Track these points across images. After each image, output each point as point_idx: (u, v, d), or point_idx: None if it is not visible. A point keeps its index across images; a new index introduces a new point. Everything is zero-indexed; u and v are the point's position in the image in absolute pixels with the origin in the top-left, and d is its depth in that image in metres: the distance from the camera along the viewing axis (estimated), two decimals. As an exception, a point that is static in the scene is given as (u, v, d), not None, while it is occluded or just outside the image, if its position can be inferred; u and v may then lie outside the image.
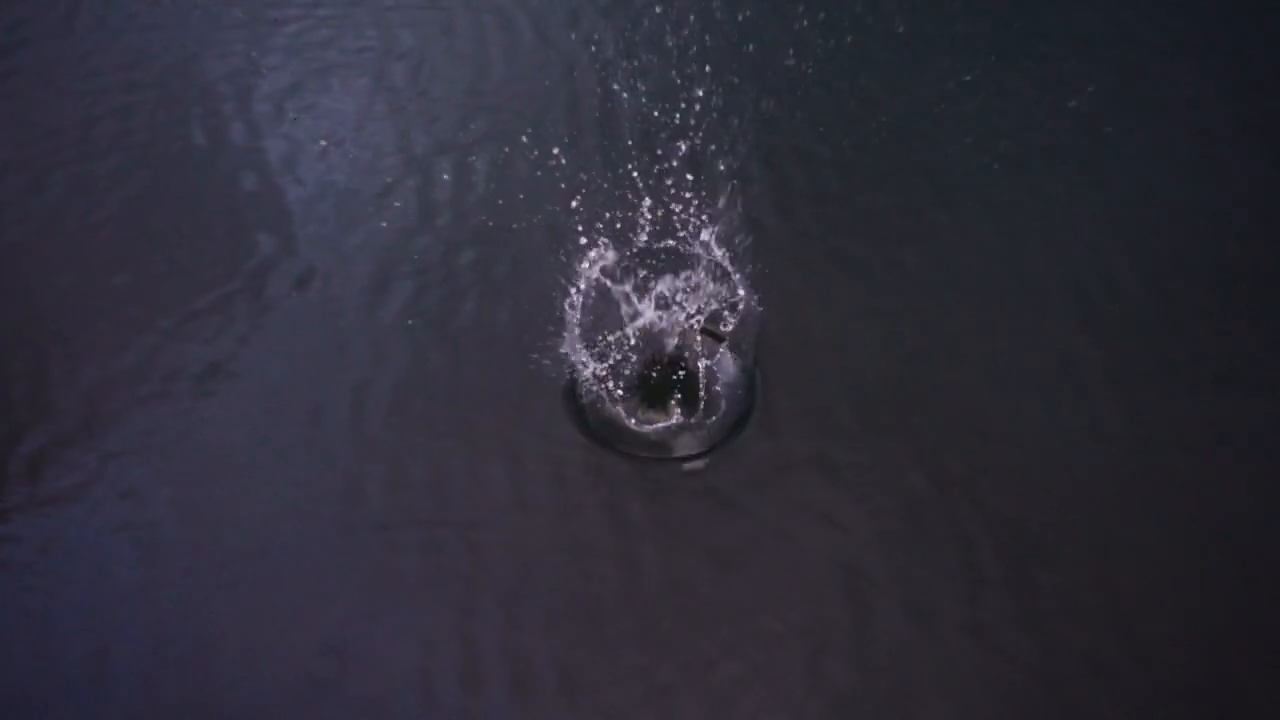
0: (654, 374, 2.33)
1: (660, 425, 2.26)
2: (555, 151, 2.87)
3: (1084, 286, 2.58)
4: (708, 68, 3.14)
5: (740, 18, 3.30)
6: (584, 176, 2.79)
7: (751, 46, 3.22)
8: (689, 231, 2.38)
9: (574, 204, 2.63)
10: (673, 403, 2.30)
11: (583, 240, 2.42)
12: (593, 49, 3.20)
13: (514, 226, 2.71)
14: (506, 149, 2.91)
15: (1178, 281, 2.58)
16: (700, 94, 3.02)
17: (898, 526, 2.15)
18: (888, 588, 2.06)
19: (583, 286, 2.34)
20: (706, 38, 3.25)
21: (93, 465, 2.26)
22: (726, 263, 2.33)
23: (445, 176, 2.87)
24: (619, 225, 2.52)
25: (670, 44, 3.22)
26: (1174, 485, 2.21)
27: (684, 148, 2.78)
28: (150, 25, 3.33)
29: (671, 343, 2.33)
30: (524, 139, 2.94)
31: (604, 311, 2.41)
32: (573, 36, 3.25)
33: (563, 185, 2.76)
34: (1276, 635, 2.00)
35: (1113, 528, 2.14)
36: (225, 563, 2.12)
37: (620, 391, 2.29)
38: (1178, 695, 1.93)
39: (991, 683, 1.94)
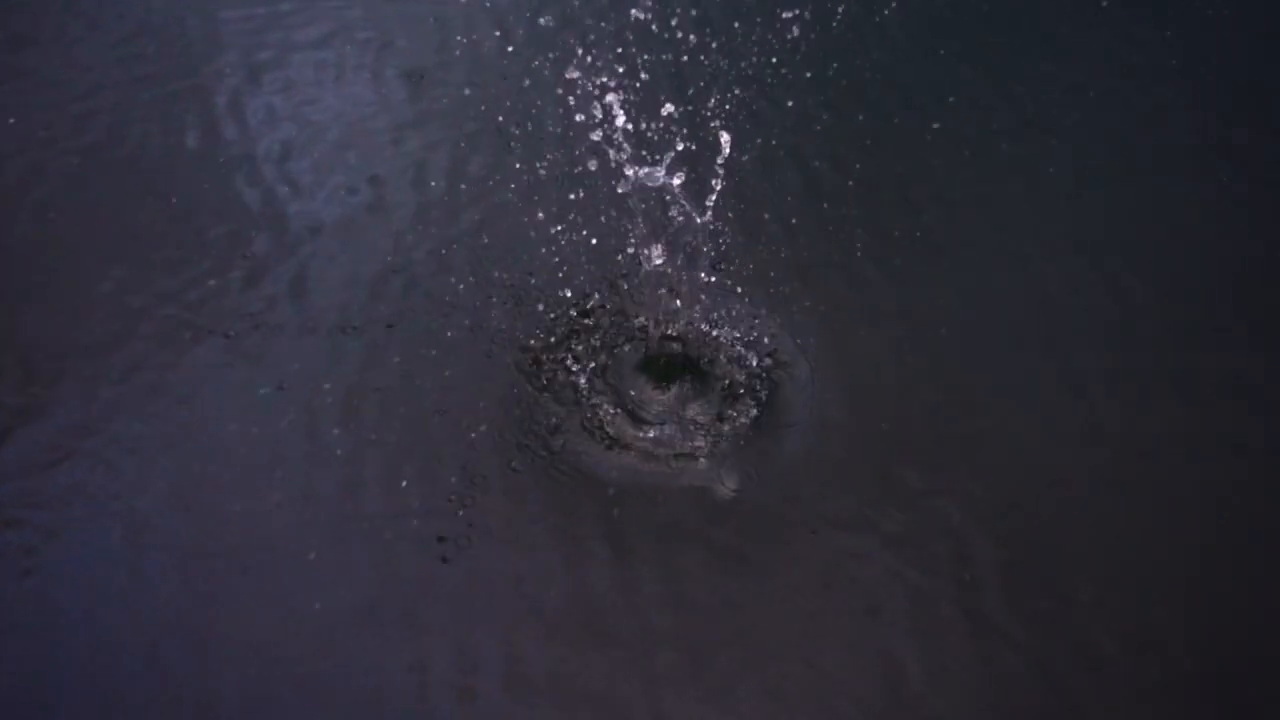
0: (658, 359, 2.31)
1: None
2: (522, 142, 2.86)
3: (1092, 293, 2.57)
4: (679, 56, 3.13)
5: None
6: (548, 162, 2.79)
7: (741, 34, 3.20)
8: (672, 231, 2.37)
9: (543, 185, 2.63)
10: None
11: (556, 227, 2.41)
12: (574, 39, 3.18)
13: (477, 220, 2.69)
14: (473, 139, 2.89)
15: (1181, 288, 2.58)
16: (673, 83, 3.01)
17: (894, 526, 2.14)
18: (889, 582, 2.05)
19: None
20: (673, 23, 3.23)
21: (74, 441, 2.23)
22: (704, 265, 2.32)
23: (411, 162, 2.83)
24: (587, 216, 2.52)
25: (638, 33, 3.21)
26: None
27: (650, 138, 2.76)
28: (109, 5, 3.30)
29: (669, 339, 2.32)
30: (513, 135, 2.92)
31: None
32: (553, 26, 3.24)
33: (527, 176, 2.76)
34: (1270, 634, 2.01)
35: (1120, 530, 2.14)
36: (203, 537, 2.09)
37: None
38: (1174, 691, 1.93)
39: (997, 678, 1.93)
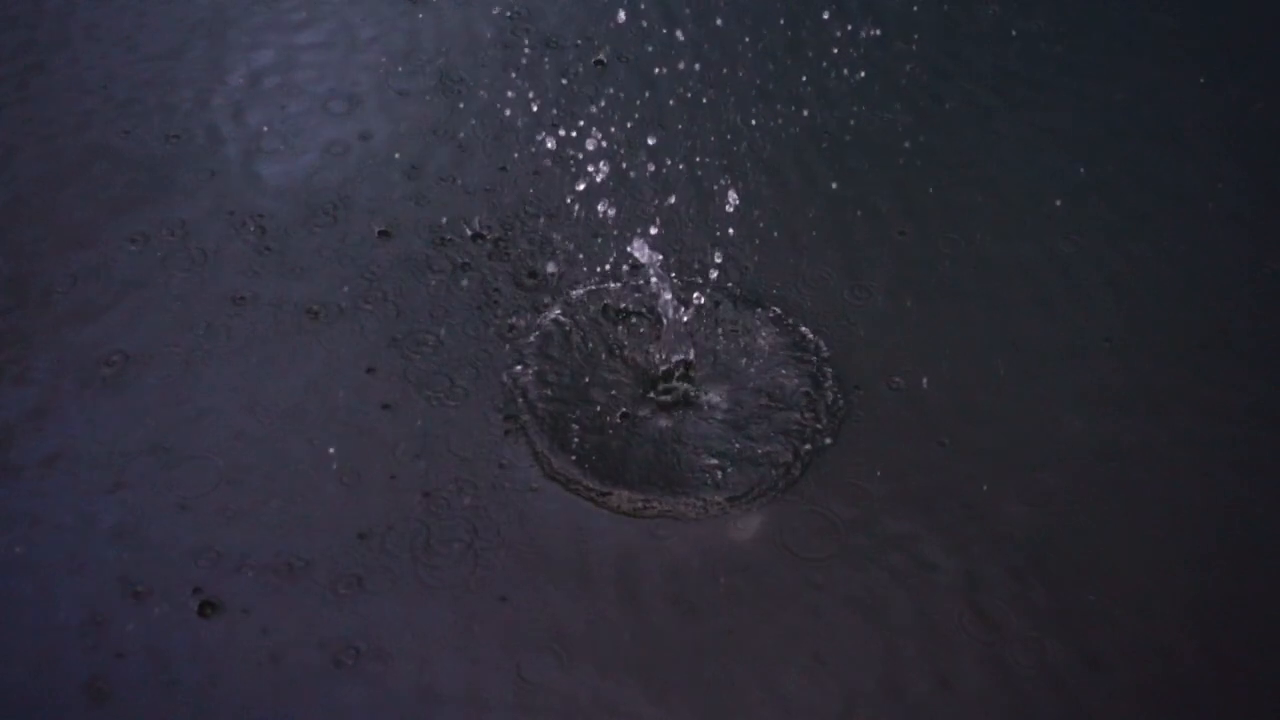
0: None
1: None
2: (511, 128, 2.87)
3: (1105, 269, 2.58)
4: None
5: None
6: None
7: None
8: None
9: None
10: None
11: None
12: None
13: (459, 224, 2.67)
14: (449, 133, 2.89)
15: (1174, 269, 2.59)
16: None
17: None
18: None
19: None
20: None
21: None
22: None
23: (387, 158, 2.82)
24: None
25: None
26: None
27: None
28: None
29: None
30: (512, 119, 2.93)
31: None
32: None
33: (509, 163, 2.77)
34: (1272, 625, 1.99)
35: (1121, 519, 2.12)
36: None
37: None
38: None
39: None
